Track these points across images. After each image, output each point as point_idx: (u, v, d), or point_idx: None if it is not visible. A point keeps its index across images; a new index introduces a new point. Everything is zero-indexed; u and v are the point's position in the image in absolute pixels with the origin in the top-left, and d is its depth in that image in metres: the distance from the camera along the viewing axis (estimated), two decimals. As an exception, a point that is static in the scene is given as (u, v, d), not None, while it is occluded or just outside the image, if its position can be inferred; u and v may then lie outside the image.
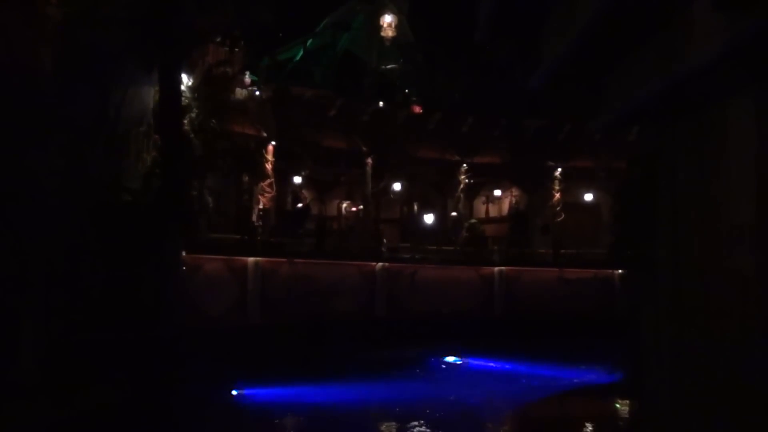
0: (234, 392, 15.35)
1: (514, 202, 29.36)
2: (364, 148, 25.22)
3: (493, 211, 30.74)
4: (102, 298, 16.04)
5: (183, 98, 20.61)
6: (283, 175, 25.88)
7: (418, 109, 26.27)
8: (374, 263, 22.20)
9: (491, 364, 19.02)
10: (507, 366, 18.73)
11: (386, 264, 22.27)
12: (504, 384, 16.78)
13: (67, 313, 14.82)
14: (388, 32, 26.20)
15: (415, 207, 31.20)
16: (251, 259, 19.25)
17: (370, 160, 25.51)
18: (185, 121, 20.69)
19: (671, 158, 7.57)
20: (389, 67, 27.36)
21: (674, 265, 7.42)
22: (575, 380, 17.53)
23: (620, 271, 24.34)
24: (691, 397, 6.92)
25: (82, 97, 17.07)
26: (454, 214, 28.42)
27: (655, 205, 7.76)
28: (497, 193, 28.97)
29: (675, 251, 7.42)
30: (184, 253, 17.41)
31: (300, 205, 25.30)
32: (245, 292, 19.07)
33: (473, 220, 27.95)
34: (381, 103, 25.47)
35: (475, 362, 19.45)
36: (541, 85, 8.48)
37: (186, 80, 20.75)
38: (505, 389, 16.16)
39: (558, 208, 27.12)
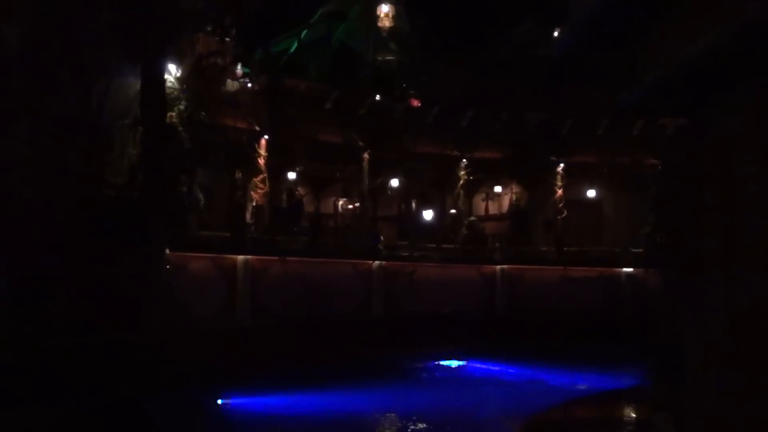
0: (220, 401, 13.90)
1: (514, 199, 28.01)
2: (361, 143, 23.84)
3: (493, 209, 29.40)
4: (79, 299, 14.75)
5: (171, 90, 19.51)
6: (277, 171, 24.54)
7: (416, 103, 24.89)
8: (371, 261, 20.81)
9: (494, 368, 17.62)
10: (511, 370, 17.34)
11: (384, 262, 20.89)
12: (508, 390, 15.36)
13: (38, 316, 13.42)
14: (385, 22, 24.79)
15: (413, 204, 29.85)
16: (241, 257, 17.85)
17: (366, 155, 24.13)
18: (173, 114, 19.50)
19: (725, 133, 6.15)
20: (386, 59, 25.94)
21: (728, 261, 6.03)
22: (584, 386, 16.10)
23: (629, 269, 23.15)
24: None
25: (60, 85, 15.81)
26: (453, 211, 27.08)
27: (704, 189, 6.37)
28: (498, 189, 27.62)
29: (728, 244, 6.01)
30: (168, 251, 15.95)
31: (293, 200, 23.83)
32: (234, 292, 17.67)
33: (473, 218, 26.59)
34: (378, 97, 24.04)
35: (477, 366, 18.05)
36: (568, 46, 7.10)
37: (174, 71, 19.54)
38: (510, 396, 14.73)
39: (560, 205, 25.70)
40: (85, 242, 15.22)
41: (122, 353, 14.87)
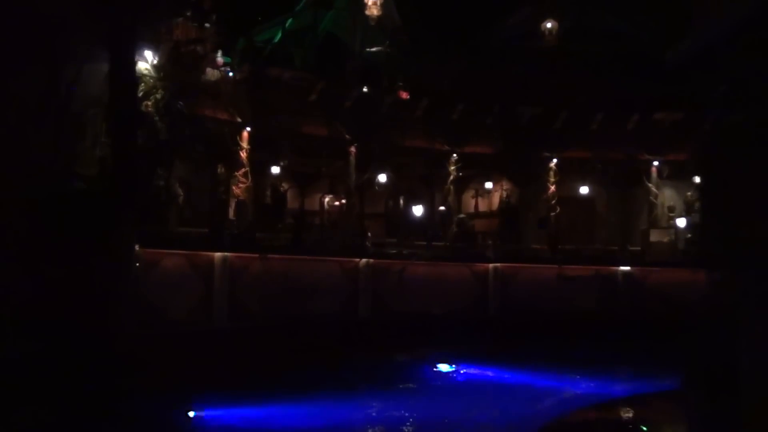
0: (192, 413, 12.25)
1: (504, 196, 26.50)
2: (347, 136, 22.31)
3: (483, 206, 27.96)
4: (38, 301, 13.11)
5: (147, 78, 17.99)
6: (260, 166, 22.93)
7: (404, 95, 23.36)
8: (358, 259, 19.22)
9: (488, 373, 16.10)
10: (506, 375, 15.80)
11: (371, 260, 19.33)
12: (505, 398, 13.81)
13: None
14: (373, 11, 23.22)
15: (401, 201, 28.34)
16: (218, 255, 16.24)
17: (353, 149, 22.56)
18: (149, 103, 17.97)
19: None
20: (374, 49, 24.35)
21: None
22: (585, 392, 14.59)
23: (626, 268, 21.74)
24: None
25: (23, 68, 14.24)
26: (442, 208, 25.56)
27: None
28: (488, 185, 26.12)
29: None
30: (138, 248, 14.30)
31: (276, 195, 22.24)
32: (211, 292, 16.06)
33: (462, 215, 25.16)
34: (365, 89, 22.48)
35: (470, 370, 16.50)
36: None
37: (151, 58, 17.97)
38: (508, 405, 13.17)
39: (553, 202, 24.23)
40: (47, 238, 13.64)
41: (85, 359, 13.23)
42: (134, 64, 15.22)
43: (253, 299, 16.80)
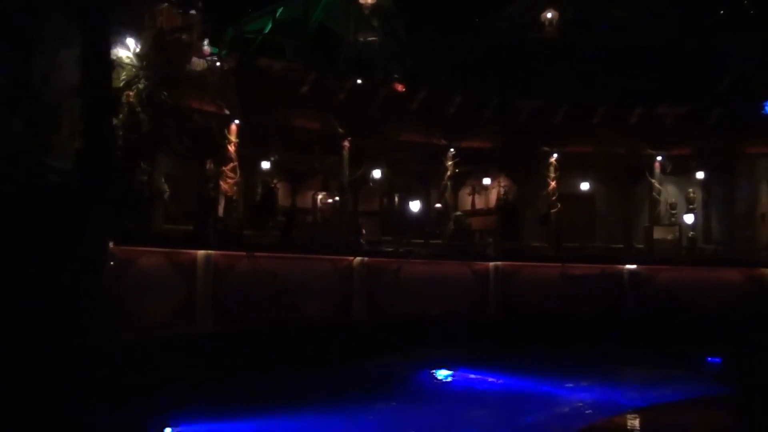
0: (168, 429, 10.69)
1: (502, 192, 25.03)
2: (341, 130, 20.82)
3: (480, 203, 26.52)
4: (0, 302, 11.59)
5: (129, 66, 16.31)
6: (251, 162, 21.42)
7: (400, 87, 21.95)
8: (352, 258, 17.69)
9: (490, 379, 14.56)
10: (508, 381, 14.30)
11: (366, 258, 17.82)
12: (510, 407, 12.28)
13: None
14: (367, -1, 21.69)
15: (396, 199, 26.83)
16: (201, 253, 14.73)
17: (347, 144, 21.04)
18: (131, 93, 16.50)
19: None
20: (368, 39, 22.86)
21: None
22: (596, 399, 13.10)
23: (633, 266, 20.29)
24: None
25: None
26: (438, 205, 24.08)
27: None
28: (486, 181, 24.68)
29: None
30: (112, 245, 12.75)
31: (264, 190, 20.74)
32: (193, 293, 14.53)
33: (458, 213, 23.67)
34: (359, 80, 21.00)
35: (471, 376, 14.98)
36: None
37: (133, 46, 16.48)
38: (513, 415, 11.65)
39: (554, 198, 22.77)
40: (12, 234, 12.10)
41: (51, 367, 11.69)
42: (108, 43, 13.68)
43: (239, 301, 15.28)
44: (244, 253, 15.40)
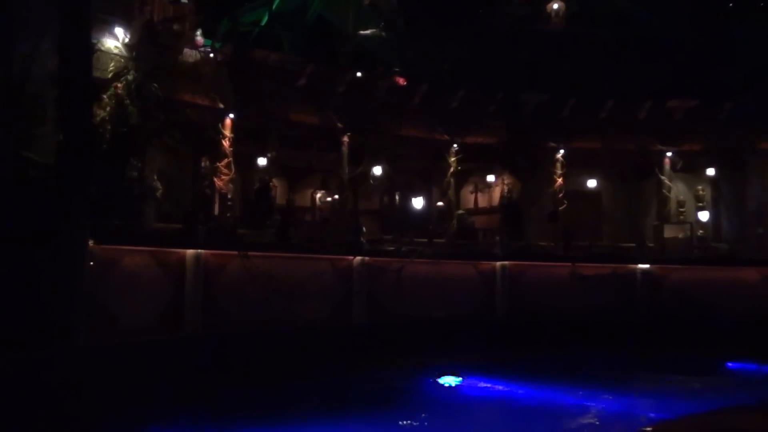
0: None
1: (506, 190, 23.78)
2: (340, 125, 19.63)
3: (483, 202, 25.32)
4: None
5: (117, 57, 15.24)
6: (247, 159, 20.22)
7: (401, 81, 20.71)
8: (352, 257, 16.44)
9: (499, 387, 13.31)
10: (520, 390, 13.04)
11: (366, 258, 16.56)
12: (526, 420, 11.03)
13: None
14: (367, -10, 20.47)
15: (397, 197, 25.65)
16: (191, 252, 13.49)
17: (346, 139, 19.83)
18: (119, 84, 15.35)
19: None
20: (368, 32, 21.64)
21: None
22: (617, 410, 11.86)
23: (645, 266, 19.08)
24: None
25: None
26: (440, 204, 22.89)
27: None
28: (490, 178, 23.50)
29: None
30: (92, 243, 11.53)
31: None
32: (182, 295, 13.26)
33: (460, 211, 22.45)
34: (359, 74, 19.77)
35: (479, 383, 13.71)
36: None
37: (122, 36, 15.40)
38: (531, 429, 10.41)
39: (560, 195, 21.57)
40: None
41: (25, 376, 10.54)
42: (89, 27, 12.55)
43: (231, 303, 14.04)
44: (236, 253, 14.14)
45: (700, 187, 23.47)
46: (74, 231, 11.72)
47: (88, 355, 11.41)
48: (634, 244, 20.49)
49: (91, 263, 11.78)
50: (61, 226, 11.53)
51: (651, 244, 20.66)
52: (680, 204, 23.36)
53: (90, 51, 12.67)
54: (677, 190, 23.16)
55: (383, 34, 21.86)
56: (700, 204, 23.39)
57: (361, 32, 21.79)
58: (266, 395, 11.46)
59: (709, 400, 12.13)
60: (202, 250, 13.65)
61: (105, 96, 15.10)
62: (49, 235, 11.41)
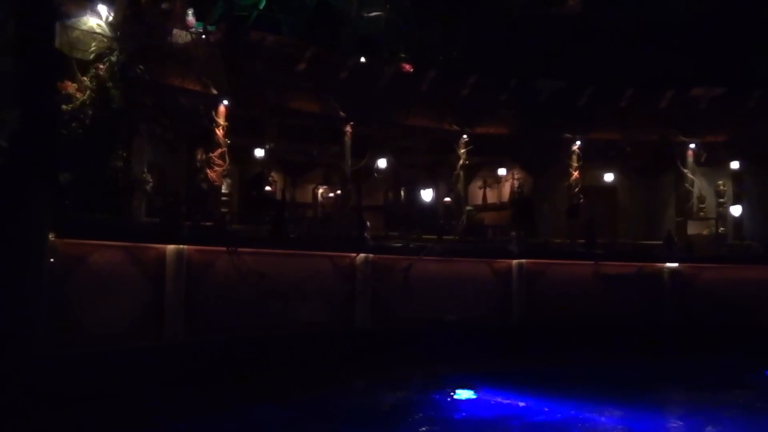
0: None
1: (516, 186, 21.90)
2: (342, 114, 17.82)
3: (492, 197, 23.38)
4: None
5: (100, 36, 13.63)
6: (244, 152, 18.42)
7: (407, 67, 18.85)
8: (355, 254, 14.49)
9: (521, 404, 11.30)
10: (545, 406, 11.05)
11: (371, 256, 14.60)
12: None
13: None
14: (371, -31, 18.62)
15: (402, 193, 23.81)
16: (172, 248, 11.58)
17: (349, 129, 17.97)
18: (102, 66, 13.59)
19: None
20: (373, 14, 19.78)
21: None
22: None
23: (674, 265, 17.10)
24: None
25: None
26: (447, 199, 21.02)
27: None
28: (501, 171, 21.66)
29: None
30: (53, 237, 9.62)
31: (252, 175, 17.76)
32: (161, 297, 11.34)
33: (469, 208, 20.58)
34: (363, 59, 17.90)
35: (497, 398, 11.72)
36: None
37: (105, 14, 13.72)
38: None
39: (576, 189, 19.65)
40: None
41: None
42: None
43: (218, 305, 12.13)
44: (224, 249, 12.20)
45: (721, 182, 21.55)
46: (32, 223, 9.77)
47: (50, 367, 9.46)
48: (654, 242, 18.54)
49: (52, 260, 9.83)
50: (16, 218, 9.59)
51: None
52: (700, 200, 21.43)
53: (53, 21, 10.77)
54: (698, 184, 21.24)
55: (389, 17, 19.98)
56: (721, 200, 21.51)
57: (366, 15, 19.93)
58: (253, 413, 9.52)
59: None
60: (185, 246, 11.72)
61: (86, 78, 13.56)
62: (2, 228, 9.49)
